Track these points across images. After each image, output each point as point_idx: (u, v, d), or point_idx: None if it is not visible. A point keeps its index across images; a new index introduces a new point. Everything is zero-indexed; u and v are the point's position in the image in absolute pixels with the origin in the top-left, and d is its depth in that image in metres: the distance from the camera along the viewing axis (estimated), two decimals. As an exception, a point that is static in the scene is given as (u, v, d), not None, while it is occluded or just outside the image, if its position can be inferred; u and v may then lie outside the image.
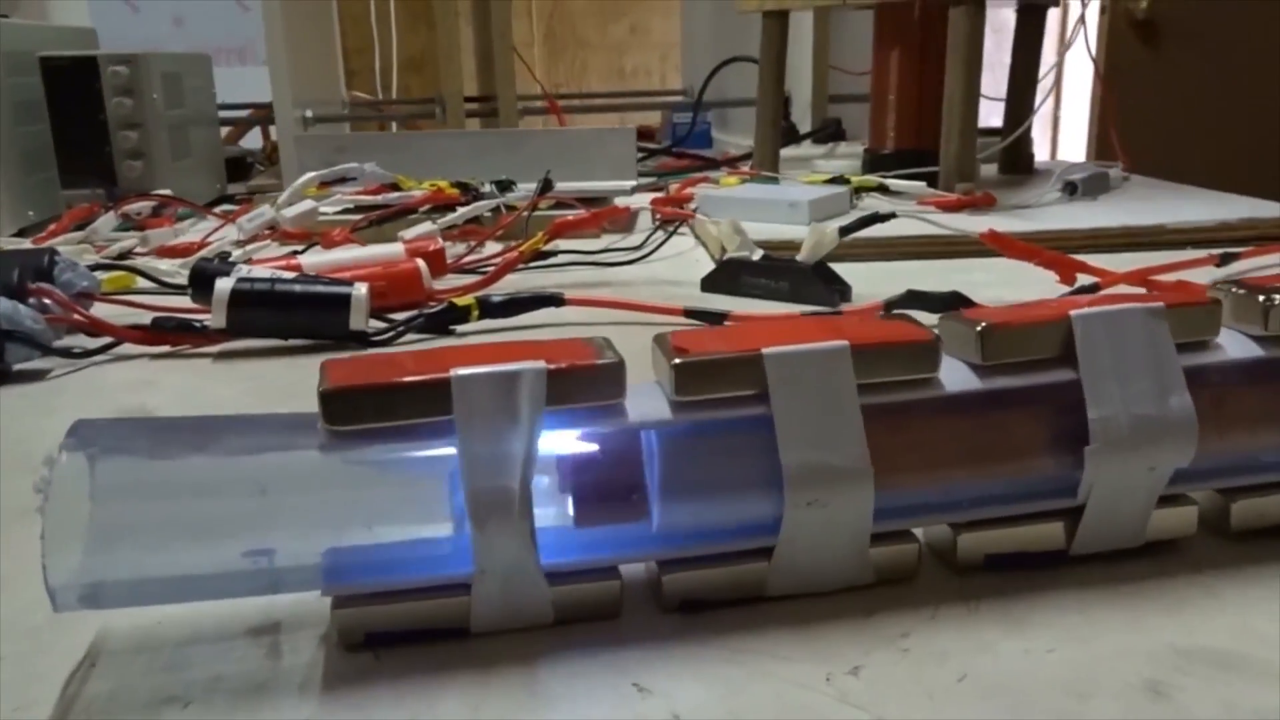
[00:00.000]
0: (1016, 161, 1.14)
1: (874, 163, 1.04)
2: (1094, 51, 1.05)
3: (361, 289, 0.59)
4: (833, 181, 0.95)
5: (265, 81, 1.18)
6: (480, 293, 0.63)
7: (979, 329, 0.30)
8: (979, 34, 0.89)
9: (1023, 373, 0.30)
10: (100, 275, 0.68)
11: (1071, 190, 0.93)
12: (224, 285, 0.58)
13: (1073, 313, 0.30)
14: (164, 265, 0.74)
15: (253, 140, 1.55)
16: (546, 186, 0.85)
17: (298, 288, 0.59)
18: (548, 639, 0.29)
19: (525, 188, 0.92)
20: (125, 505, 0.27)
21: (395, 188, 0.92)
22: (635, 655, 0.28)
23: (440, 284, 0.69)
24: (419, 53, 3.03)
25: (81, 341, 0.59)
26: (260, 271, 0.61)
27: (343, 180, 0.91)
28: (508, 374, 0.27)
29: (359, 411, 0.27)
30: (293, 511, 0.28)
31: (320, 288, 0.59)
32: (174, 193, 0.96)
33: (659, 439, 0.28)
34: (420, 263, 0.68)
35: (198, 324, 0.59)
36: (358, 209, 0.87)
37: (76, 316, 0.58)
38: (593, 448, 0.29)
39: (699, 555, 0.30)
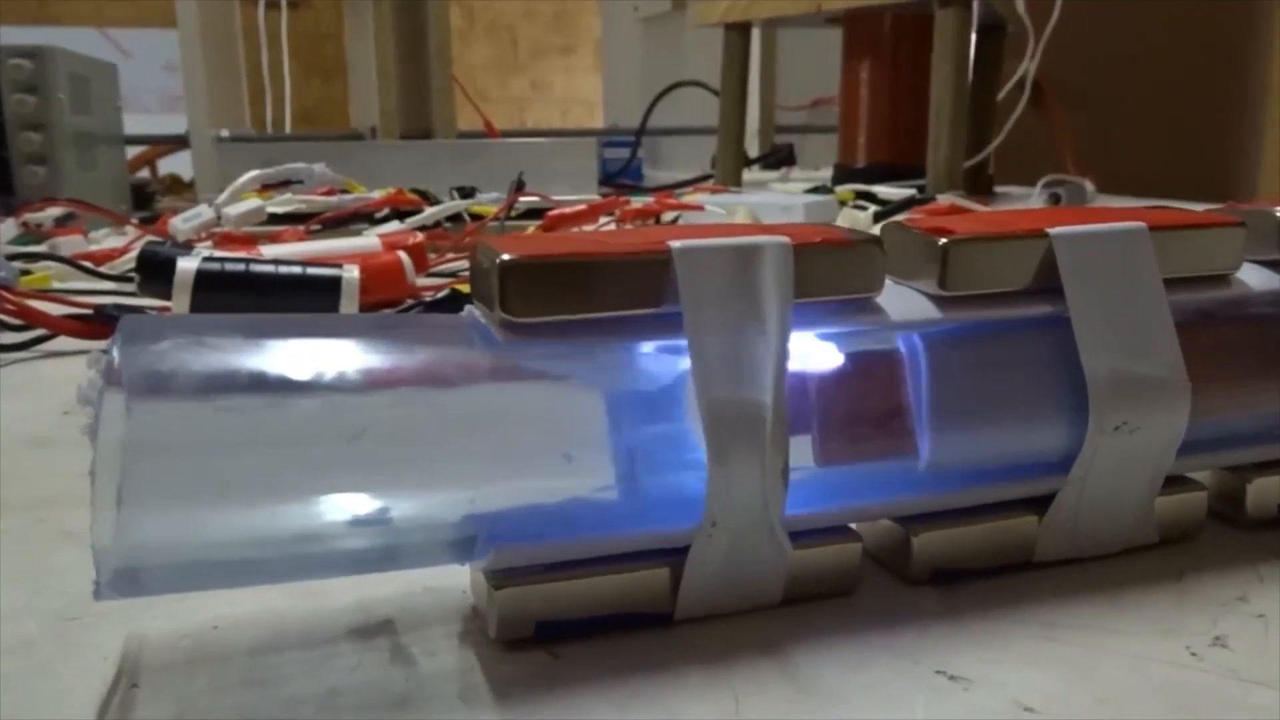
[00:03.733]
0: (977, 184, 1.12)
1: (845, 178, 1.00)
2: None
3: (354, 271, 0.50)
4: (814, 191, 0.91)
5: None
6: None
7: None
8: (966, 37, 0.86)
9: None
10: (17, 265, 0.57)
11: (1055, 200, 0.90)
12: (187, 266, 0.48)
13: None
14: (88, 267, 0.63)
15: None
16: (519, 187, 0.78)
17: (279, 269, 0.50)
18: (774, 623, 0.21)
19: (486, 197, 0.84)
20: (177, 461, 0.18)
21: (345, 193, 0.83)
22: (914, 637, 0.20)
23: (419, 283, 0.61)
24: (312, 104, 2.93)
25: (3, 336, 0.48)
26: (225, 255, 0.51)
27: (287, 183, 0.81)
28: (747, 249, 0.20)
29: (551, 295, 0.19)
30: (409, 458, 0.20)
31: (305, 270, 0.50)
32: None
33: (925, 345, 0.21)
34: (403, 255, 0.60)
35: (153, 314, 0.49)
36: (309, 212, 0.78)
37: (7, 305, 0.48)
38: (840, 357, 0.21)
39: (959, 509, 0.22)
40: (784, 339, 0.20)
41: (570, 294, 0.19)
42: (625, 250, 0.19)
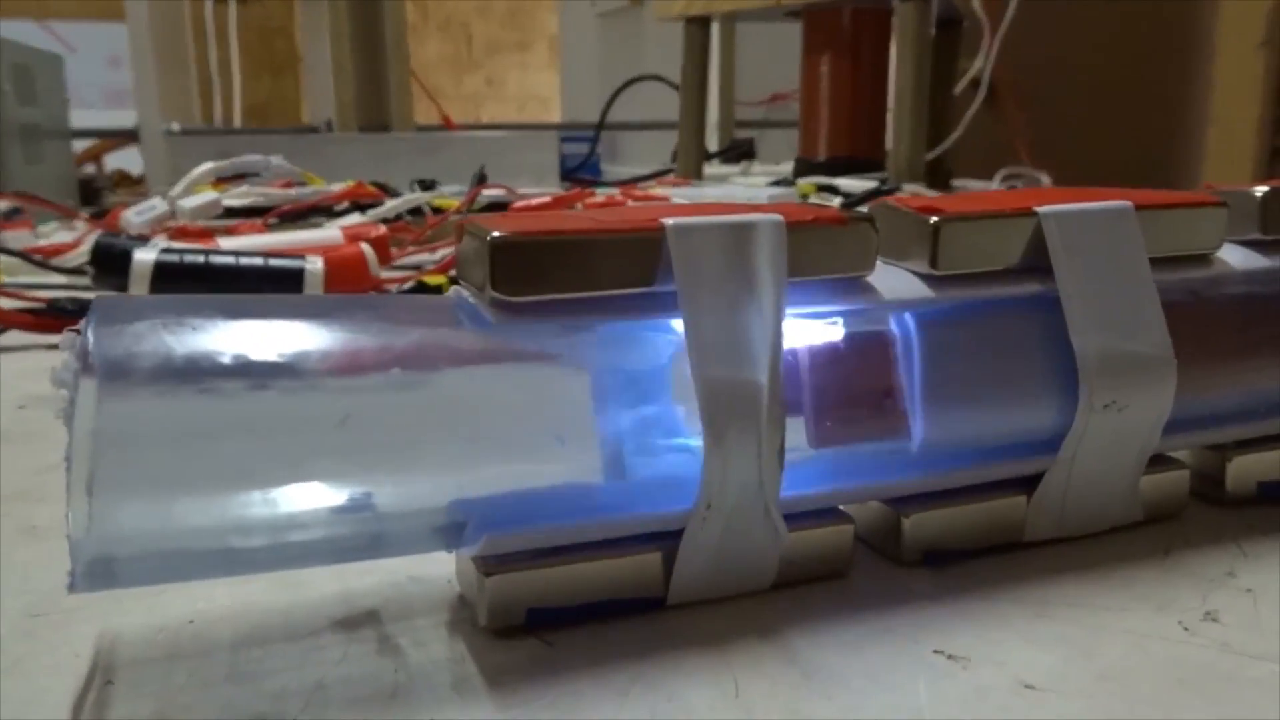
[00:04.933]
0: (936, 176, 1.13)
1: (807, 171, 1.00)
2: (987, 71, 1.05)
3: (317, 262, 0.49)
4: (777, 185, 0.91)
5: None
6: (452, 271, 0.54)
7: (1260, 195, 0.24)
8: (927, 30, 0.87)
9: (1309, 250, 0.25)
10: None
11: (1014, 193, 0.91)
12: (145, 257, 0.47)
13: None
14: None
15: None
16: (481, 180, 0.77)
17: (240, 261, 0.48)
18: (769, 607, 0.21)
19: (448, 190, 0.83)
20: (151, 448, 0.17)
21: (302, 186, 0.81)
22: (910, 618, 0.20)
23: (382, 276, 0.60)
24: (263, 100, 2.88)
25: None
26: (184, 246, 0.50)
27: (242, 176, 0.80)
28: (741, 226, 0.19)
29: (542, 273, 0.18)
30: (396, 442, 0.19)
31: (267, 262, 0.49)
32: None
33: (918, 325, 0.21)
34: (365, 247, 0.59)
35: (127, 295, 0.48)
36: (267, 205, 0.76)
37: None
38: (833, 337, 0.21)
39: (948, 490, 0.22)
40: (779, 317, 0.19)
41: (562, 272, 0.19)
42: (618, 228, 0.19)
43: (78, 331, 0.17)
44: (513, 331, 0.19)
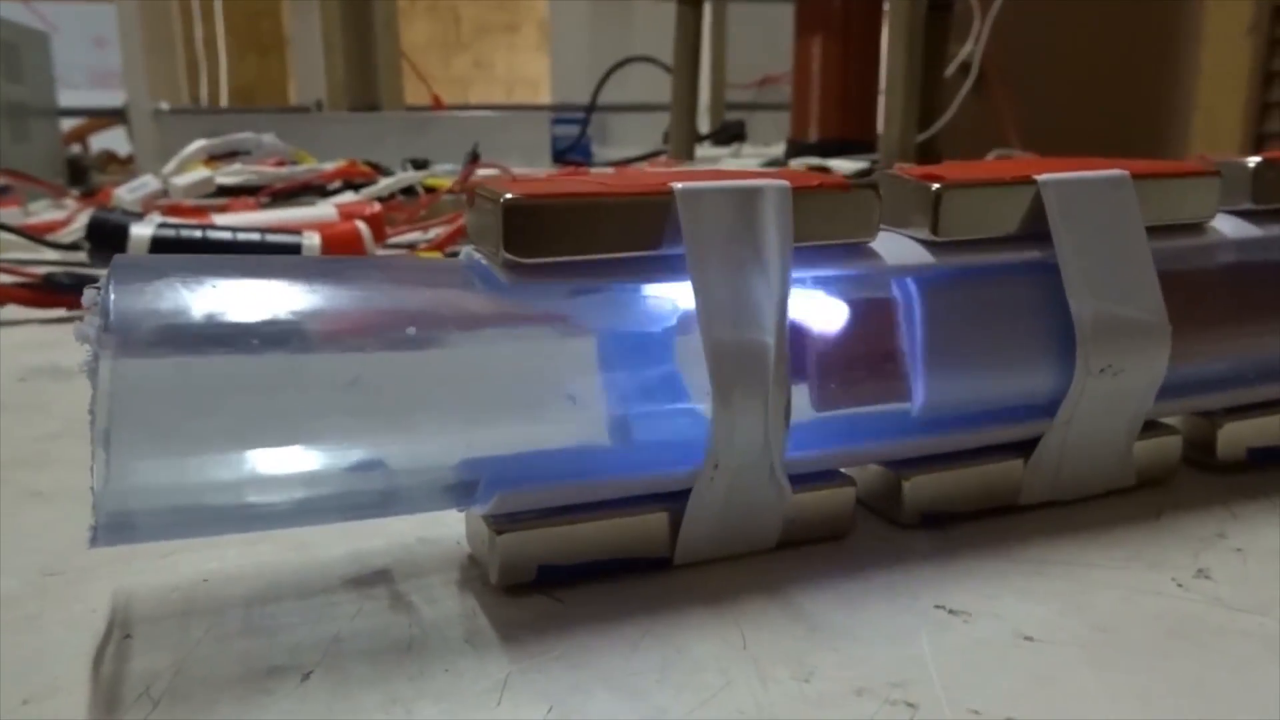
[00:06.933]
0: (927, 158, 1.13)
1: (798, 152, 1.01)
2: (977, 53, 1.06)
3: (314, 238, 0.50)
4: (769, 166, 0.91)
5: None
6: (449, 249, 0.54)
7: (1253, 165, 0.25)
8: (920, 12, 0.87)
9: (1300, 220, 0.25)
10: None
11: (1004, 176, 0.92)
12: (142, 231, 0.47)
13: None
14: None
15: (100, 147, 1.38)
16: (474, 158, 0.77)
17: (237, 236, 0.49)
18: (773, 565, 0.21)
19: (440, 169, 0.83)
20: (167, 406, 0.18)
21: (295, 164, 0.81)
22: (910, 576, 0.21)
23: (378, 253, 0.60)
24: (250, 81, 2.85)
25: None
26: (181, 221, 0.50)
27: (234, 154, 0.79)
28: (748, 190, 0.20)
29: (554, 236, 0.19)
30: (407, 402, 0.19)
31: (264, 236, 0.49)
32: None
33: (919, 290, 0.22)
34: (361, 224, 0.59)
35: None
36: (260, 183, 0.76)
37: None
38: (836, 301, 0.21)
39: (944, 455, 0.23)
40: (785, 280, 0.20)
41: (573, 235, 0.19)
42: (628, 190, 0.19)
43: (98, 288, 0.17)
44: (525, 293, 0.19)
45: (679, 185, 0.19)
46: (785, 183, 0.20)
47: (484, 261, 0.19)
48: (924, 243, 0.22)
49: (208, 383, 0.18)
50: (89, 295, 0.17)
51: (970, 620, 0.19)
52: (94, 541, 0.17)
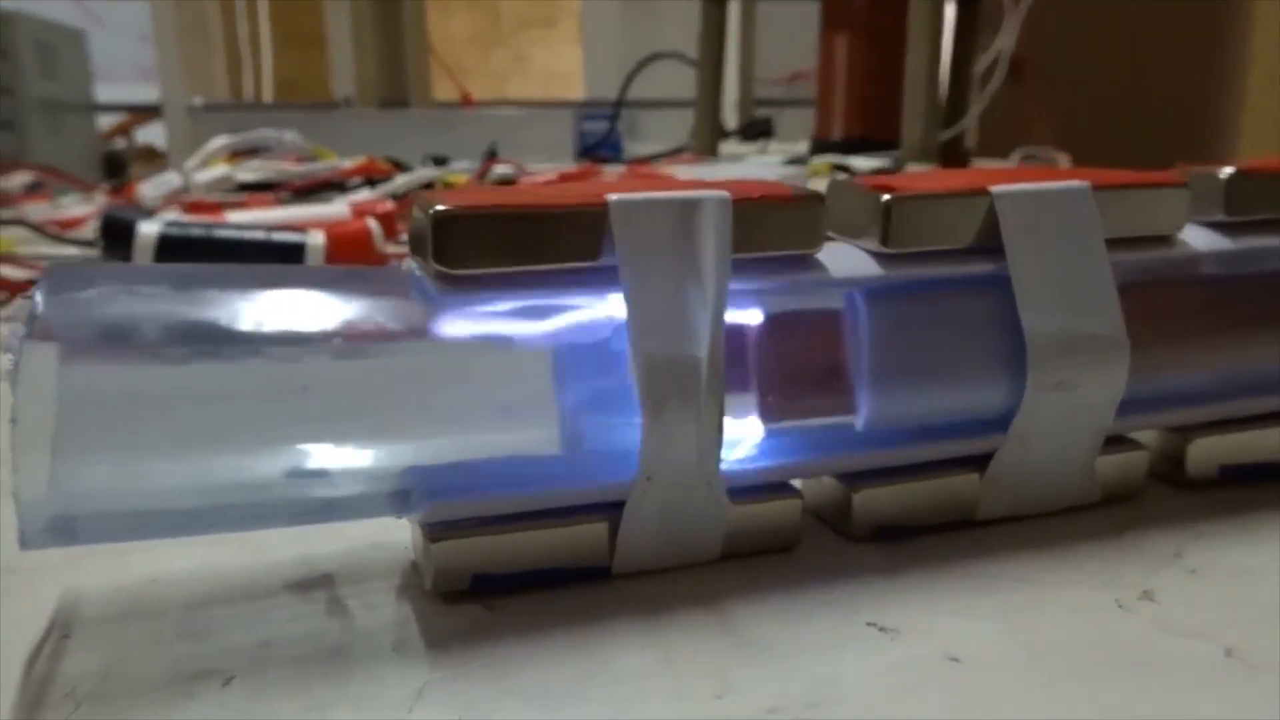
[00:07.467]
0: (953, 155, 1.12)
1: (822, 150, 1.00)
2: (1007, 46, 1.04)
3: (318, 236, 0.50)
4: (791, 163, 0.90)
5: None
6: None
7: (1225, 176, 0.24)
8: (941, 8, 0.86)
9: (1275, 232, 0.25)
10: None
11: (1030, 175, 0.91)
12: (149, 229, 0.48)
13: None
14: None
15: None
16: (491, 156, 0.78)
17: (243, 234, 0.49)
18: (714, 578, 0.21)
19: (459, 166, 0.84)
20: (112, 414, 0.18)
21: (314, 160, 0.82)
22: (852, 591, 0.21)
23: (389, 251, 0.61)
24: (294, 75, 2.88)
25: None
26: (189, 219, 0.51)
27: (255, 151, 0.80)
28: (685, 203, 0.20)
29: (486, 247, 0.19)
30: (350, 410, 0.20)
31: (269, 235, 0.50)
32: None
33: (866, 302, 0.21)
34: (372, 222, 0.59)
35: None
36: (280, 179, 0.77)
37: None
38: (779, 313, 0.21)
39: (898, 467, 0.23)
40: (721, 293, 0.19)
41: (506, 246, 0.19)
42: (562, 202, 0.19)
43: (28, 298, 0.17)
44: (458, 304, 0.19)
45: (614, 197, 0.19)
46: (725, 194, 0.20)
47: (418, 272, 0.20)
48: (874, 254, 0.22)
49: (140, 390, 0.18)
50: (19, 307, 0.17)
51: (898, 639, 0.19)
52: (24, 544, 0.17)
